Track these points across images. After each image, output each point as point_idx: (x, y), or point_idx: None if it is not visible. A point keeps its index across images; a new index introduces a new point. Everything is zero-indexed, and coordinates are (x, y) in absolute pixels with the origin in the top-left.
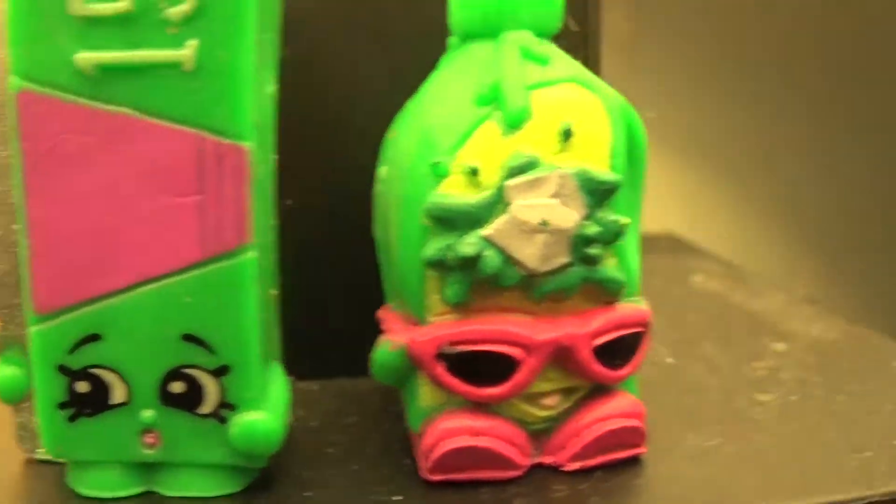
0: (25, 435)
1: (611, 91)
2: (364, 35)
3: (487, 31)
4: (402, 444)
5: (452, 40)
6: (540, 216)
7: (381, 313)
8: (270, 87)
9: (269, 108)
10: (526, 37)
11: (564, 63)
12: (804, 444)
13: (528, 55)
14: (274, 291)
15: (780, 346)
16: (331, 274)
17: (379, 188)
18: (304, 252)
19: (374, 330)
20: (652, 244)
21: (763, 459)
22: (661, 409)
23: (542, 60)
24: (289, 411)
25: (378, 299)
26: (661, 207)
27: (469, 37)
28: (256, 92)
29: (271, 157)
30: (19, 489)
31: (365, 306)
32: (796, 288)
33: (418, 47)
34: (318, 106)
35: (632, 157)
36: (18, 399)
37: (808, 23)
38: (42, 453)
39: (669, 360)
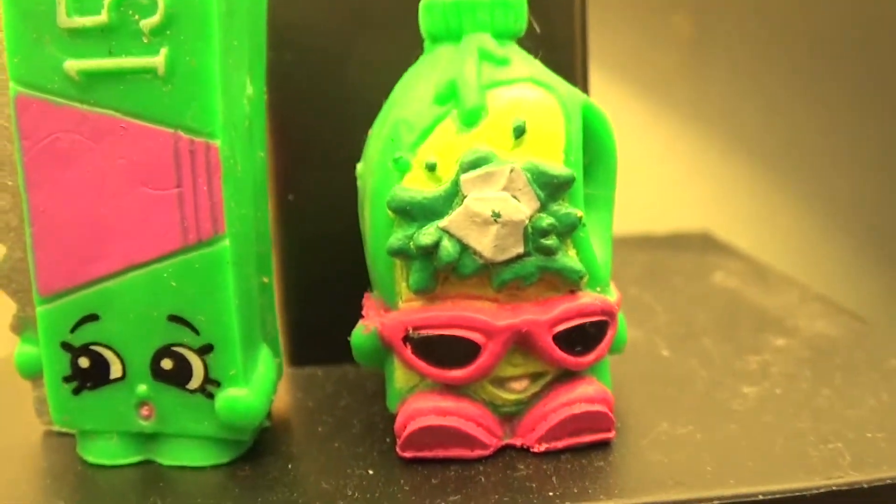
0: (43, 409)
1: (570, 90)
2: (358, 40)
3: (451, 34)
4: (385, 424)
5: (425, 42)
6: (492, 208)
7: (364, 299)
8: (249, 89)
9: (249, 108)
10: (485, 39)
11: (524, 63)
12: (774, 434)
13: (485, 56)
14: (265, 279)
15: (779, 342)
16: (335, 265)
17: (358, 184)
18: (307, 244)
19: None
20: (684, 242)
21: (729, 447)
22: (641, 397)
23: (501, 61)
24: (273, 390)
25: None
26: (701, 207)
27: (436, 39)
28: (228, 94)
29: (259, 155)
30: (37, 458)
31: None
32: (831, 283)
33: (407, 50)
34: (318, 107)
35: (598, 153)
36: (35, 375)
37: (856, 22)
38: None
39: (665, 352)
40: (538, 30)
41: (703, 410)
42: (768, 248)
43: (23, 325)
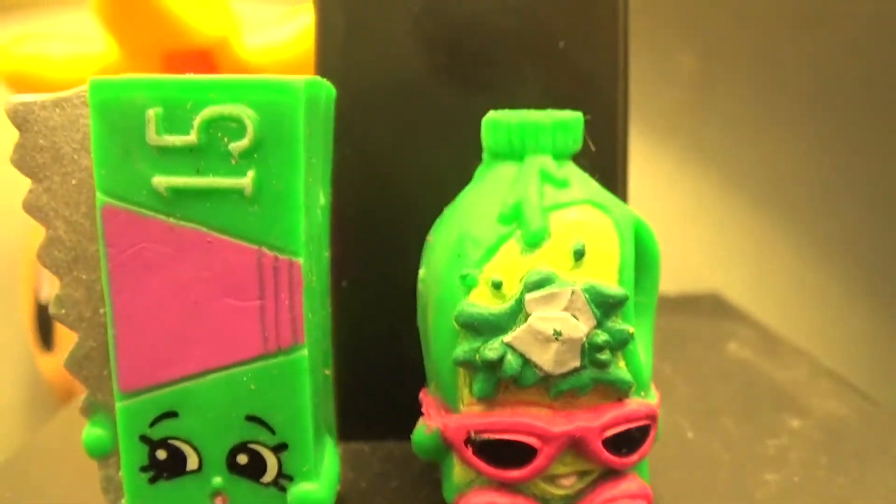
0: (109, 487)
1: (623, 210)
2: (416, 141)
3: (513, 153)
4: None
5: (485, 155)
6: (554, 327)
7: (422, 395)
8: (323, 200)
9: (322, 217)
10: (546, 161)
11: (581, 185)
12: None
13: (547, 178)
14: (328, 371)
15: (795, 423)
16: (383, 346)
17: (419, 287)
18: (359, 327)
19: (419, 401)
20: (695, 306)
21: None
22: (674, 483)
23: (561, 183)
24: (338, 481)
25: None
26: (707, 261)
27: (498, 156)
28: (308, 211)
29: (325, 255)
30: None
31: (413, 375)
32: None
33: (460, 154)
34: (374, 199)
35: (643, 265)
36: (102, 456)
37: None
38: None
39: (690, 434)
40: (593, 148)
41: (731, 498)
42: (777, 302)
43: (92, 409)
